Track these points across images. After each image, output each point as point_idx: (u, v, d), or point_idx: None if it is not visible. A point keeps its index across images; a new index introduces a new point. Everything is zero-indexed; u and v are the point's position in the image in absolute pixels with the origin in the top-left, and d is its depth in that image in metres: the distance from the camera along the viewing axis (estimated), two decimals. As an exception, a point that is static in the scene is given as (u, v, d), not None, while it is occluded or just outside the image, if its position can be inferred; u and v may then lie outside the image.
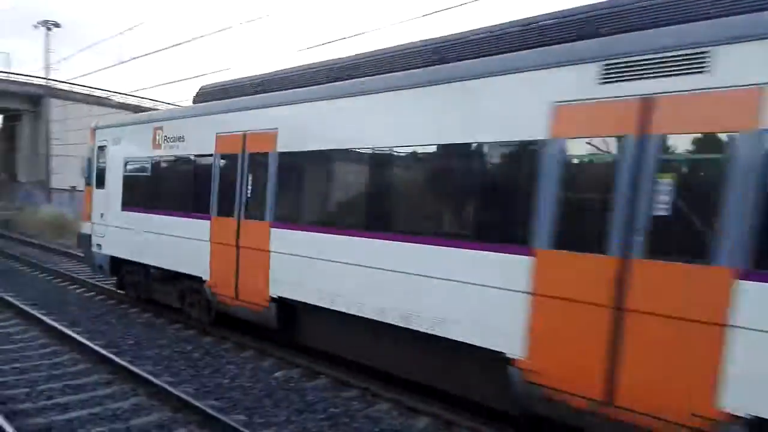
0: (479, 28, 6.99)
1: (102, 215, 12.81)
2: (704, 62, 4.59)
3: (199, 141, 10.03)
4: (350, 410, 6.98)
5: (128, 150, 12.09)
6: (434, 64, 6.99)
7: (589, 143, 5.26)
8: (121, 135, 12.46)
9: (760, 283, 4.25)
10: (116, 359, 8.12)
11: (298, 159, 8.32)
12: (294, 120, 8.41)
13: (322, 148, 7.92)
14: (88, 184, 13.52)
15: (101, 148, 12.94)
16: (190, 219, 10.07)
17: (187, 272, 10.23)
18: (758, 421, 4.23)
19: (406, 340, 6.84)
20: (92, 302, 12.52)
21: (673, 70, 4.75)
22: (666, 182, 4.78)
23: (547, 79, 5.49)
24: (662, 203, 4.78)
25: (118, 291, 13.03)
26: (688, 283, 4.61)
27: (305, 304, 8.08)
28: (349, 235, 7.42)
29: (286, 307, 8.48)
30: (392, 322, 6.78)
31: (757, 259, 4.27)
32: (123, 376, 7.76)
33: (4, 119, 45.40)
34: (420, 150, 6.80)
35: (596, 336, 5.06)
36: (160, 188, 11.10)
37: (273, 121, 8.63)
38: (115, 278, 12.93)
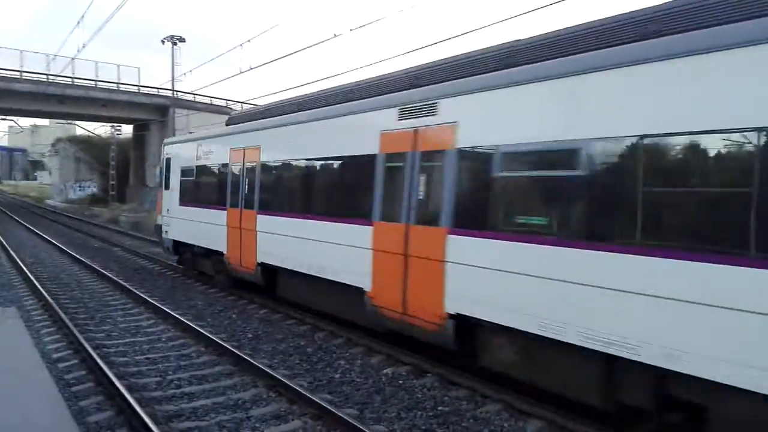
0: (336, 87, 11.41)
1: (168, 210, 16.63)
2: (434, 108, 7.82)
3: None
4: (459, 410, 6.96)
5: (182, 160, 15.97)
6: None
7: (393, 155, 8.51)
8: (178, 149, 16.45)
9: (457, 237, 7.21)
10: (238, 352, 8.62)
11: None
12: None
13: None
14: (160, 186, 17.43)
15: (167, 159, 16.82)
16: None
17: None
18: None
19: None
20: (215, 298, 13.35)
21: (424, 113, 7.98)
22: (422, 179, 8.05)
23: (376, 117, 8.95)
24: (421, 191, 8.03)
25: (178, 266, 17.07)
26: (430, 237, 7.67)
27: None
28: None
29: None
30: None
31: (456, 222, 7.32)
32: (243, 368, 8.23)
33: (134, 128, 49.38)
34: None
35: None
36: (202, 188, 14.91)
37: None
38: (177, 256, 16.91)
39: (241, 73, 21.92)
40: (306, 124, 10.87)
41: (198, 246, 14.83)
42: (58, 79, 40.04)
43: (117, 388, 6.88)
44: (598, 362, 5.81)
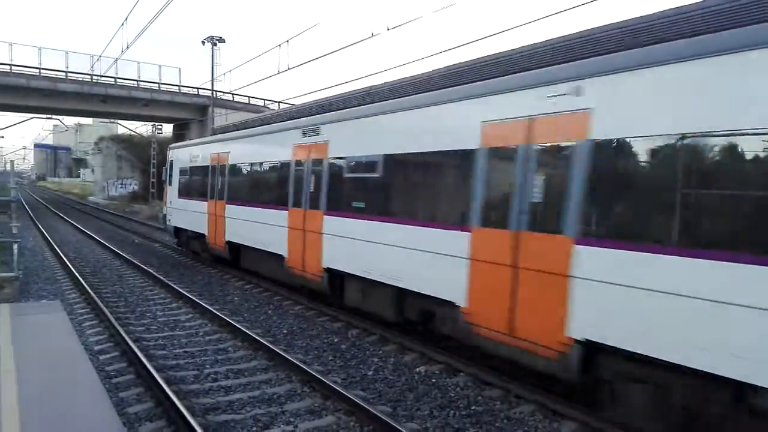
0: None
1: (170, 201, 20.34)
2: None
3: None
4: (492, 410, 6.93)
5: (180, 162, 19.57)
6: None
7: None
8: (178, 153, 20.07)
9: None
10: (273, 347, 8.74)
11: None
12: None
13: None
14: (166, 183, 21.20)
15: (171, 162, 20.47)
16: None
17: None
18: None
19: None
20: (251, 294, 13.54)
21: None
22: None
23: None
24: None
25: (178, 248, 20.81)
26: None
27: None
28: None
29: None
30: None
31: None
32: (278, 363, 8.34)
33: (174, 128, 50.36)
34: None
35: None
36: (193, 184, 18.24)
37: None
38: (177, 239, 20.68)
39: (279, 72, 22.00)
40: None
41: (190, 230, 18.53)
42: (102, 79, 41.06)
43: (156, 381, 7.06)
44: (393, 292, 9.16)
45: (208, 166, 16.81)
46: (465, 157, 7.65)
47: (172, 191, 20.23)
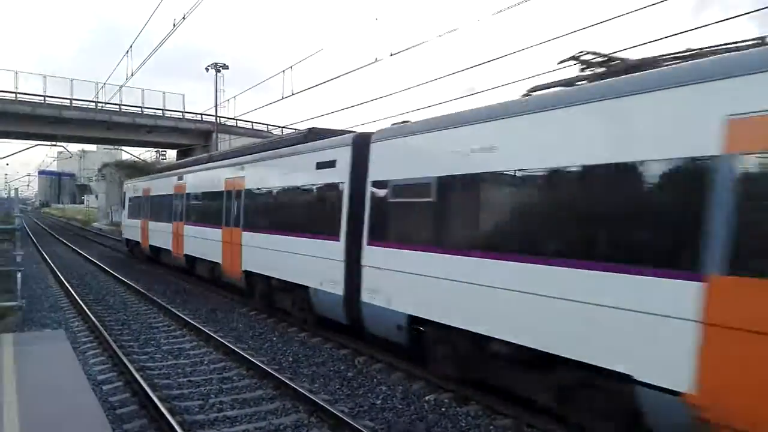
0: None
1: (124, 221, 28.88)
2: None
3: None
4: (505, 439, 6.76)
5: (130, 193, 27.65)
6: None
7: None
8: (128, 187, 28.33)
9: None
10: (279, 376, 8.59)
11: None
12: None
13: None
14: (122, 208, 29.61)
15: (125, 193, 28.92)
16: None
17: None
18: None
19: None
20: (255, 321, 13.40)
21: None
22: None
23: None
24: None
25: (129, 254, 28.16)
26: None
27: None
28: None
29: None
30: None
31: None
32: (284, 392, 8.19)
33: (178, 154, 50.63)
34: None
35: None
36: (144, 209, 24.59)
37: None
38: (128, 248, 28.27)
39: (284, 98, 22.14)
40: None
41: (133, 240, 26.47)
42: (106, 106, 41.46)
43: (160, 412, 6.92)
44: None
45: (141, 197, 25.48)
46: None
47: (125, 214, 28.77)
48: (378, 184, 9.52)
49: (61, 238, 40.23)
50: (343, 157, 10.58)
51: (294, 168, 12.55)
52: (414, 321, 8.65)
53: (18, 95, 39.52)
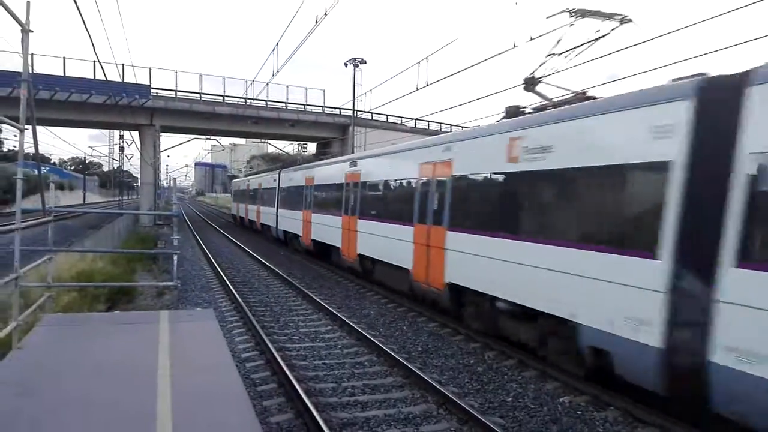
0: None
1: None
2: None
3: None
4: (647, 450, 6.27)
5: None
6: None
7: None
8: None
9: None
10: (409, 365, 8.65)
11: None
12: None
13: None
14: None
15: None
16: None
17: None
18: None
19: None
20: (386, 309, 13.63)
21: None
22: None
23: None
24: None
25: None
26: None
27: None
28: None
29: None
30: None
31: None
32: (413, 381, 8.22)
33: (318, 146, 52.80)
34: None
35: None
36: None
37: None
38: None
39: (418, 89, 22.21)
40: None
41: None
42: (254, 103, 44.19)
43: (297, 392, 7.23)
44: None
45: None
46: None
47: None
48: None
49: (213, 224, 43.68)
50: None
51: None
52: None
53: (178, 93, 43.25)
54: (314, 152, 53.76)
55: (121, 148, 58.87)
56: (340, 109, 47.73)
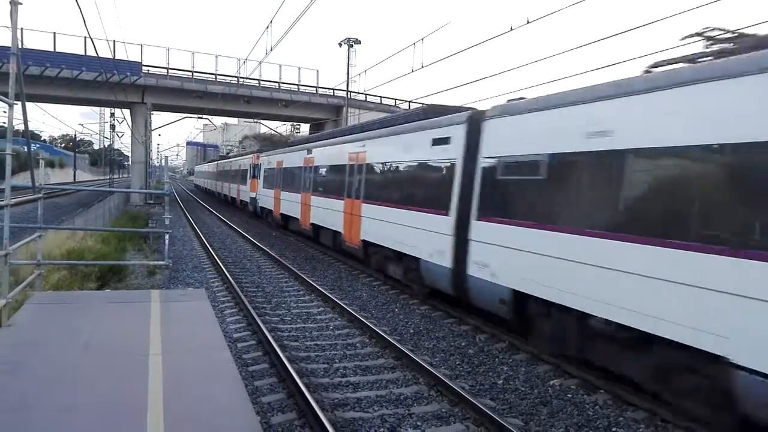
0: None
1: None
2: None
3: None
4: (636, 433, 6.34)
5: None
6: None
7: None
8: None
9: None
10: (401, 347, 8.67)
11: None
12: None
13: None
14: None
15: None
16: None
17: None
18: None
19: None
20: (378, 291, 13.65)
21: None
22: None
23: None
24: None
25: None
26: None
27: None
28: None
29: None
30: None
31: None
32: (405, 363, 8.25)
33: (311, 127, 52.56)
34: None
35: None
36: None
37: None
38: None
39: (413, 71, 22.08)
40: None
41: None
42: (247, 82, 43.81)
43: (289, 372, 7.23)
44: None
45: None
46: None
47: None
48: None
49: (204, 203, 43.49)
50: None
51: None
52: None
53: (169, 71, 42.78)
54: (308, 134, 53.53)
55: (112, 126, 58.37)
56: (333, 89, 47.47)
